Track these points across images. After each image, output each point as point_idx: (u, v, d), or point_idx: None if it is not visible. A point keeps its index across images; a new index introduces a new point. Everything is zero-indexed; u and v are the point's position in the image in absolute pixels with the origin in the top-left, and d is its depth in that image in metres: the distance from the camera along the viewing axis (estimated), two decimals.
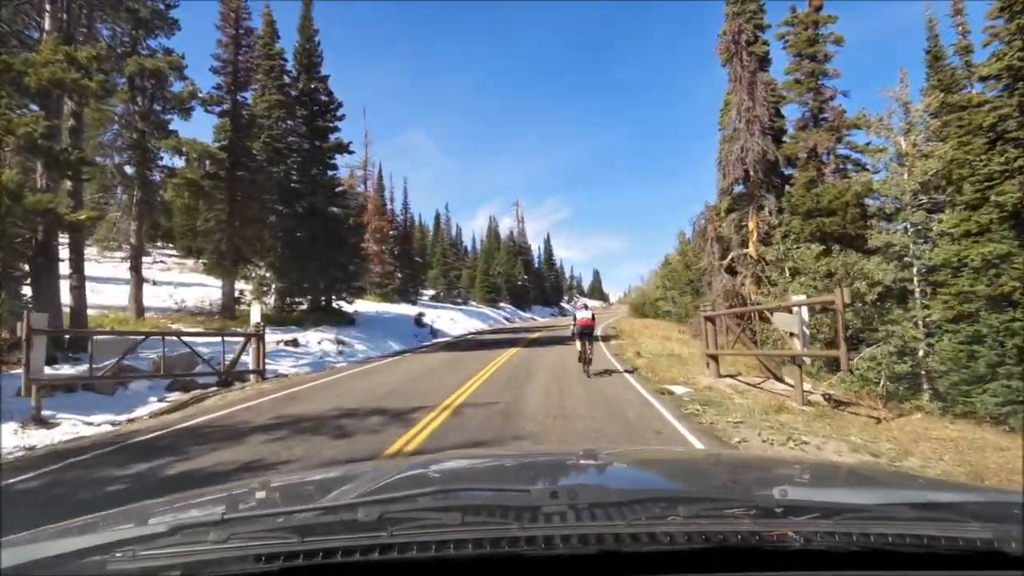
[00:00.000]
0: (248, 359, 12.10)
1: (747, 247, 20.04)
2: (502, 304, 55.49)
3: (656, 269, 48.52)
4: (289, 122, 25.21)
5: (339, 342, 18.68)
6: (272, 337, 17.59)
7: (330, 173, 25.90)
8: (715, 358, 10.25)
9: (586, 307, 11.20)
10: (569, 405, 7.80)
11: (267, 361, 12.80)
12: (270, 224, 22.49)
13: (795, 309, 8.39)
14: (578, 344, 10.60)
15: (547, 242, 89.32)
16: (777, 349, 10.58)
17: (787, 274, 17.37)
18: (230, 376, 11.35)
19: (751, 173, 19.62)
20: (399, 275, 37.24)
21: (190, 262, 32.22)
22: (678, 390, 9.20)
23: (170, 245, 35.75)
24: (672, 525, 0.84)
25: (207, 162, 20.24)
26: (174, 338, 11.20)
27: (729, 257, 20.25)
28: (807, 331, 8.53)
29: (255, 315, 12.02)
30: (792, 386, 9.17)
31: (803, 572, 0.79)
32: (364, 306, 31.21)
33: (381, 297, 35.46)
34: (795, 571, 0.79)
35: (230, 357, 11.51)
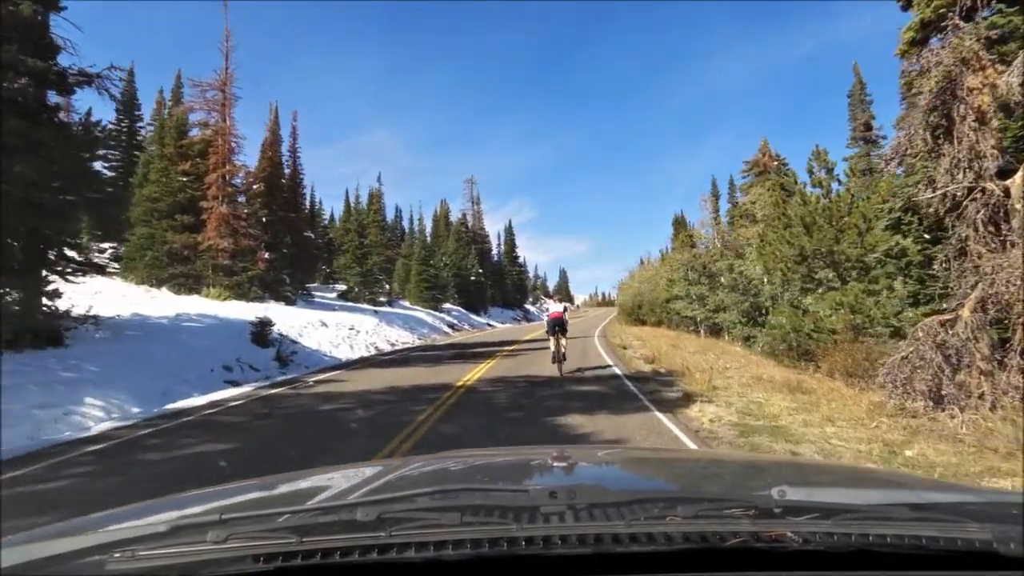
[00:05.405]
0: None
1: None
2: (447, 305, 41.49)
3: (661, 257, 35.67)
4: None
5: None
6: None
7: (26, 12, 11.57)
8: None
9: (560, 302, 11.89)
10: None
11: None
12: None
13: None
14: (552, 342, 11.02)
15: (509, 232, 73.91)
16: None
17: None
18: None
19: None
20: (268, 256, 22.86)
21: None
22: None
23: None
24: (671, 525, 0.82)
25: None
26: None
27: None
28: None
29: None
30: None
31: (802, 572, 0.78)
32: (168, 305, 16.86)
33: (230, 290, 21.10)
34: (794, 571, 0.78)
35: None
